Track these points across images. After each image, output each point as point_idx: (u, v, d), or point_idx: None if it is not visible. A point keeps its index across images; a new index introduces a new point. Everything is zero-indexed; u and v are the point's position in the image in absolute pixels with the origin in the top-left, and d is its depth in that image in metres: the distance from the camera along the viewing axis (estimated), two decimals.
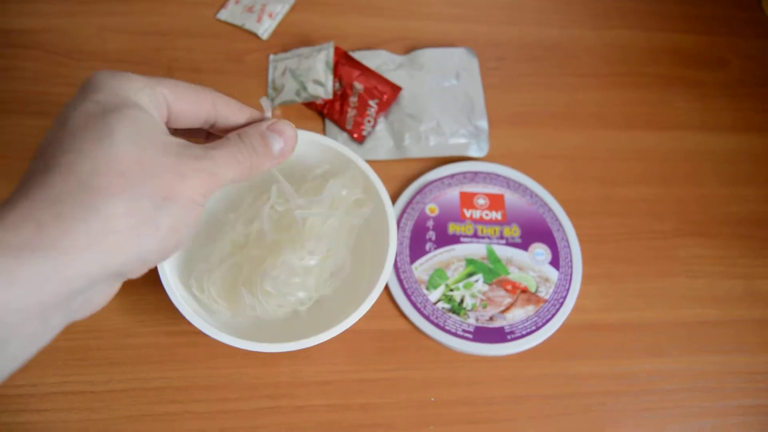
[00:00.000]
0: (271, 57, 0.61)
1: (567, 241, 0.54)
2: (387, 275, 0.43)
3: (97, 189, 0.26)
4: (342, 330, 0.41)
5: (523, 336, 0.49)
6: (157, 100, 0.32)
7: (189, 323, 0.40)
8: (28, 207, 0.25)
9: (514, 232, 0.54)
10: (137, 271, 0.30)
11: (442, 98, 0.60)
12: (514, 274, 0.52)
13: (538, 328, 0.50)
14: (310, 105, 0.58)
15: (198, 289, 0.44)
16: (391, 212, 0.45)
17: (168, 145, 0.30)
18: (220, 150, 0.32)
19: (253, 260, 0.45)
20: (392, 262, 0.43)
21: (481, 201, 0.55)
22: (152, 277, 0.47)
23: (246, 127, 0.35)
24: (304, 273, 0.44)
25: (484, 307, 0.50)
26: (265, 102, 0.38)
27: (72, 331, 0.46)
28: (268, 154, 0.35)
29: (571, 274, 0.52)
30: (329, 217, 0.45)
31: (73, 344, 0.46)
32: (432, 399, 0.47)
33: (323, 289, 0.45)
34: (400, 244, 0.52)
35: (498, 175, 0.57)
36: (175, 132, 0.35)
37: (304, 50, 0.60)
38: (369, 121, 0.57)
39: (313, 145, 0.47)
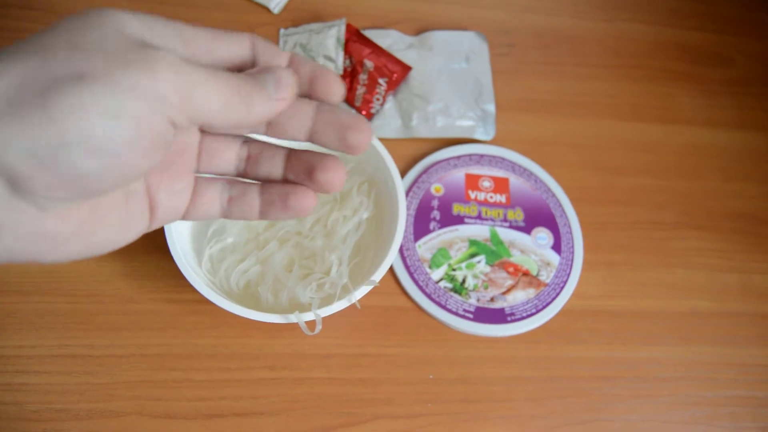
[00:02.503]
0: (282, 31, 0.61)
1: (569, 227, 0.54)
2: (394, 255, 0.43)
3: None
4: (348, 304, 0.41)
5: (523, 318, 0.50)
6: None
7: (192, 291, 0.40)
8: None
9: (517, 215, 0.54)
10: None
11: (451, 80, 0.60)
12: (516, 257, 0.52)
13: (538, 311, 0.50)
14: None
15: (211, 272, 0.44)
16: (401, 193, 0.45)
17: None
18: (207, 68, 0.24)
19: (273, 257, 0.45)
20: (399, 243, 0.43)
21: (487, 183, 0.55)
22: (155, 243, 0.47)
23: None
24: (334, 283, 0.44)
25: (486, 288, 0.51)
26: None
27: (73, 294, 0.47)
28: (265, 88, 0.26)
29: (572, 260, 0.53)
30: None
31: (74, 307, 0.46)
32: (431, 376, 0.47)
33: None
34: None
35: (504, 159, 0.57)
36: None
37: (315, 26, 0.59)
38: (378, 99, 0.57)
39: None
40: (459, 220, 0.53)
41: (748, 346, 0.52)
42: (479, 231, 0.53)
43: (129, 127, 0.21)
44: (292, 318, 0.40)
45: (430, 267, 0.51)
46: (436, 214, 0.53)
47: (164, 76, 0.22)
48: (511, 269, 0.52)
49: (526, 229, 0.54)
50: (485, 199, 0.55)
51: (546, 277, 0.52)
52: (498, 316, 0.49)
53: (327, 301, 0.42)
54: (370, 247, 0.47)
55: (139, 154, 0.22)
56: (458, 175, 0.55)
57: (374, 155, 0.47)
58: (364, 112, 0.57)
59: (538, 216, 0.54)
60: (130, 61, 0.22)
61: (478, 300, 0.50)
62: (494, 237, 0.53)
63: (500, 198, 0.55)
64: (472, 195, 0.55)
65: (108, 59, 0.21)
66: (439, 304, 0.49)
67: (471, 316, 0.49)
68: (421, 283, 0.50)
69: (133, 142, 0.22)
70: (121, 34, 0.23)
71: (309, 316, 0.41)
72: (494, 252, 0.52)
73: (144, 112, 0.22)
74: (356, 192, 0.48)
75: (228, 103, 0.24)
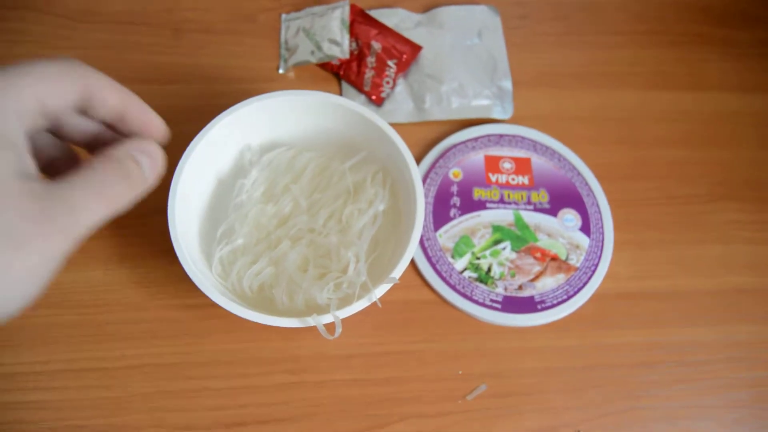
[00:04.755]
0: (284, 16, 0.58)
1: (597, 206, 0.52)
2: (414, 247, 0.41)
3: None
4: (367, 304, 0.39)
5: (553, 306, 0.47)
6: (24, 107, 0.26)
7: (204, 296, 0.38)
8: None
9: (542, 197, 0.52)
10: None
11: (464, 58, 0.57)
12: (543, 241, 0.50)
13: (569, 298, 0.47)
14: (326, 66, 0.56)
15: (222, 275, 0.43)
16: (418, 181, 0.43)
17: (18, 196, 0.24)
18: (80, 186, 0.26)
19: (286, 258, 0.43)
20: (419, 234, 0.41)
21: (507, 165, 0.53)
22: (162, 247, 0.45)
23: (109, 149, 0.29)
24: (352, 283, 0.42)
25: (513, 275, 0.48)
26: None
27: (80, 305, 0.45)
28: (142, 178, 0.29)
29: (602, 241, 0.50)
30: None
31: (83, 319, 0.45)
32: (460, 372, 0.45)
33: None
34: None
35: (524, 138, 0.54)
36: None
37: (317, 9, 0.56)
38: (388, 83, 0.54)
39: (334, 108, 0.45)
40: (480, 205, 0.51)
41: None
42: (502, 216, 0.50)
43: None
44: (310, 321, 0.38)
45: (452, 257, 0.48)
46: (456, 200, 0.51)
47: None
48: (538, 254, 0.49)
49: (552, 211, 0.51)
50: (507, 182, 0.52)
51: (576, 260, 0.49)
52: (527, 305, 0.47)
53: (345, 301, 0.40)
54: (388, 240, 0.45)
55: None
56: (477, 157, 0.53)
57: (387, 142, 0.44)
58: (374, 97, 0.54)
59: (563, 196, 0.52)
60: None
61: (505, 289, 0.47)
62: (519, 221, 0.50)
63: (523, 179, 0.52)
64: (493, 178, 0.52)
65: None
66: (464, 295, 0.47)
67: (498, 306, 0.47)
68: (444, 274, 0.48)
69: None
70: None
71: (328, 318, 0.38)
72: (519, 237, 0.50)
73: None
74: (370, 183, 0.45)
75: (113, 212, 0.28)
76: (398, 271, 0.39)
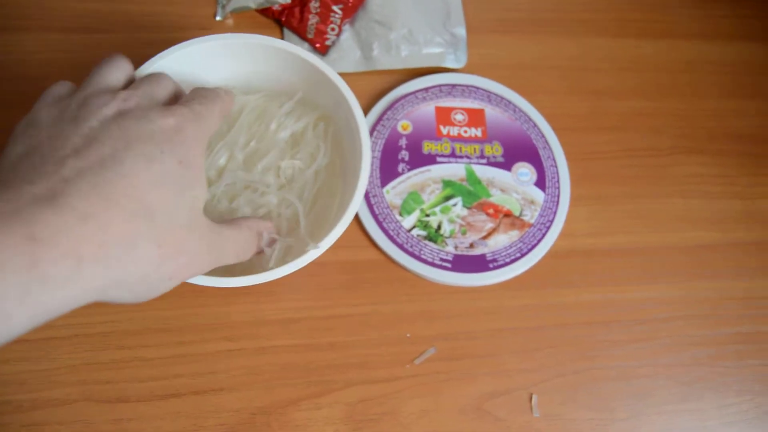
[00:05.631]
0: None
1: (554, 159, 0.49)
2: (359, 200, 0.38)
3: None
4: (307, 262, 0.36)
5: (506, 264, 0.45)
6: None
7: None
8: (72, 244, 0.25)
9: (495, 150, 0.49)
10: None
11: (415, 3, 0.53)
12: (496, 197, 0.47)
13: (522, 255, 0.45)
14: (266, 11, 0.52)
15: None
16: (365, 133, 0.39)
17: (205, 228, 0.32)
18: (232, 240, 0.34)
19: (222, 217, 0.40)
20: (365, 183, 0.38)
21: (459, 117, 0.50)
22: None
23: (253, 222, 0.37)
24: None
25: (464, 233, 0.46)
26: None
27: None
28: (258, 248, 0.37)
29: (558, 196, 0.48)
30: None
31: None
32: (408, 335, 0.43)
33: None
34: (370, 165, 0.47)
35: (478, 88, 0.51)
36: None
37: None
38: (333, 29, 0.51)
39: (274, 53, 0.41)
40: (430, 159, 0.48)
41: (753, 278, 0.49)
42: (454, 170, 0.48)
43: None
44: (246, 281, 0.35)
45: (400, 214, 0.46)
46: (404, 154, 0.48)
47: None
48: (491, 210, 0.47)
49: (506, 165, 0.49)
50: (459, 135, 0.49)
51: (530, 216, 0.47)
52: (479, 264, 0.45)
53: (283, 260, 0.37)
54: (331, 195, 0.42)
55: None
56: (427, 109, 0.50)
57: (331, 89, 0.41)
58: (318, 45, 0.51)
59: (518, 150, 0.49)
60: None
61: (455, 247, 0.45)
62: (471, 176, 0.48)
63: (476, 132, 0.49)
64: (444, 130, 0.49)
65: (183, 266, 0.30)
66: (412, 254, 0.44)
67: (449, 265, 0.44)
68: (391, 233, 0.45)
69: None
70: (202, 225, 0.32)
71: (266, 276, 0.36)
72: (471, 193, 0.47)
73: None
74: (312, 133, 0.42)
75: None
76: (329, 240, 0.37)
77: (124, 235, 0.26)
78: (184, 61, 0.41)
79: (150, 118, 0.29)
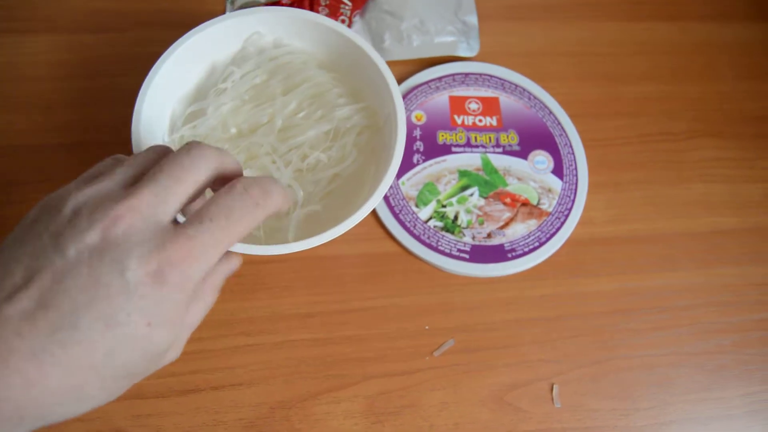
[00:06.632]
0: None
1: (570, 146, 0.48)
2: (387, 186, 0.38)
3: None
4: (324, 240, 0.36)
5: (524, 254, 0.44)
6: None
7: None
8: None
9: (511, 138, 0.48)
10: None
11: None
12: (512, 186, 0.47)
13: (541, 245, 0.45)
14: (277, 4, 0.51)
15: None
16: (402, 113, 0.40)
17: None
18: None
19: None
20: (395, 172, 0.38)
21: (474, 105, 0.49)
22: None
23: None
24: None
25: (481, 223, 0.45)
26: None
27: None
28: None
29: (576, 184, 0.47)
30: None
31: None
32: (427, 327, 0.43)
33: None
34: None
35: (491, 76, 0.50)
36: None
37: None
38: (343, 21, 0.50)
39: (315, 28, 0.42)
40: (446, 149, 0.47)
41: None
42: (469, 160, 0.47)
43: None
44: (261, 250, 0.36)
45: (416, 205, 0.45)
46: (419, 145, 0.47)
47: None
48: (508, 200, 0.46)
49: (522, 153, 0.48)
50: (474, 124, 0.49)
51: (548, 205, 0.46)
52: (497, 254, 0.44)
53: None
54: (363, 172, 0.42)
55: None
56: (441, 98, 0.49)
57: (378, 78, 0.41)
58: None
59: (534, 137, 0.48)
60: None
61: (473, 238, 0.45)
62: (487, 165, 0.47)
63: (490, 121, 0.49)
64: (459, 120, 0.49)
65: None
66: (429, 245, 0.44)
67: (467, 256, 0.44)
68: (407, 225, 0.45)
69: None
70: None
71: (280, 249, 0.36)
72: (488, 182, 0.46)
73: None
74: (353, 138, 0.42)
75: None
76: (338, 230, 0.37)
77: (69, 395, 0.25)
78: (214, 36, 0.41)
79: (128, 266, 0.25)
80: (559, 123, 0.49)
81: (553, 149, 0.48)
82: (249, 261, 0.43)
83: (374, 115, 0.43)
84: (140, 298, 0.25)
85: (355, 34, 0.41)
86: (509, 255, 0.44)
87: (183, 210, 0.29)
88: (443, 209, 0.45)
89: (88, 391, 0.25)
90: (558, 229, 0.45)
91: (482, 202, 0.46)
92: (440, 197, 0.46)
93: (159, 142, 0.39)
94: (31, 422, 0.24)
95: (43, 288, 0.24)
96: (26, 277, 0.24)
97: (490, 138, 0.48)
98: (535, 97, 0.50)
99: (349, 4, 0.51)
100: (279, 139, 0.41)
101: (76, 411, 0.26)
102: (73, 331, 0.24)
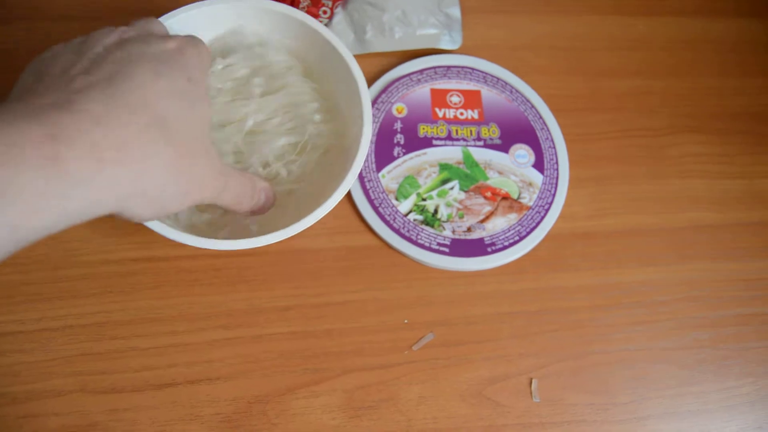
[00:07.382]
0: None
1: (552, 140, 0.48)
2: (356, 172, 0.38)
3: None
4: (296, 231, 0.36)
5: (504, 248, 0.44)
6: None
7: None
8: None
9: (492, 132, 0.48)
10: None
11: None
12: (493, 179, 0.46)
13: (521, 239, 0.45)
14: None
15: None
16: (367, 100, 0.40)
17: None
18: (235, 178, 0.35)
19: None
20: (364, 156, 0.38)
21: (455, 99, 0.49)
22: None
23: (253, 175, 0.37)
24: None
25: (461, 217, 0.45)
26: None
27: None
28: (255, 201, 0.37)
29: (556, 178, 0.47)
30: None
31: None
32: (406, 321, 0.43)
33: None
34: None
35: (473, 69, 0.50)
36: None
37: None
38: (325, 12, 0.50)
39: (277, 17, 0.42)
40: (426, 142, 0.47)
41: (753, 259, 0.48)
42: (450, 153, 0.47)
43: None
44: (237, 245, 0.36)
45: (396, 198, 0.45)
46: (399, 137, 0.47)
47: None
48: (488, 194, 0.46)
49: (504, 147, 0.48)
50: (455, 117, 0.48)
51: (528, 199, 0.46)
52: (477, 248, 0.44)
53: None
54: (329, 167, 0.42)
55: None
56: (422, 91, 0.49)
57: (340, 64, 0.41)
58: None
59: (516, 131, 0.48)
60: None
61: (453, 231, 0.44)
62: (468, 159, 0.47)
63: (472, 114, 0.49)
64: (440, 113, 0.49)
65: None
66: (409, 239, 0.44)
67: (446, 250, 0.44)
68: (387, 218, 0.44)
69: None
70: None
71: (254, 242, 0.36)
72: (468, 176, 0.46)
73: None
74: (316, 160, 0.42)
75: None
76: (334, 199, 0.37)
77: (142, 139, 0.27)
78: (190, 23, 0.41)
79: (151, 42, 0.30)
80: (541, 117, 0.49)
81: (534, 143, 0.48)
82: (227, 255, 0.43)
83: (343, 136, 0.43)
84: (172, 60, 0.30)
85: (324, 27, 0.42)
86: (489, 249, 0.44)
87: None
88: (423, 203, 0.45)
89: (158, 147, 0.28)
90: (538, 224, 0.45)
91: (462, 195, 0.46)
92: (420, 190, 0.46)
93: None
94: (111, 169, 0.25)
95: (89, 65, 0.28)
96: (83, 65, 0.28)
97: (471, 131, 0.48)
98: (517, 91, 0.50)
99: None
100: (245, 141, 0.41)
101: (150, 173, 0.27)
102: (129, 81, 0.27)
